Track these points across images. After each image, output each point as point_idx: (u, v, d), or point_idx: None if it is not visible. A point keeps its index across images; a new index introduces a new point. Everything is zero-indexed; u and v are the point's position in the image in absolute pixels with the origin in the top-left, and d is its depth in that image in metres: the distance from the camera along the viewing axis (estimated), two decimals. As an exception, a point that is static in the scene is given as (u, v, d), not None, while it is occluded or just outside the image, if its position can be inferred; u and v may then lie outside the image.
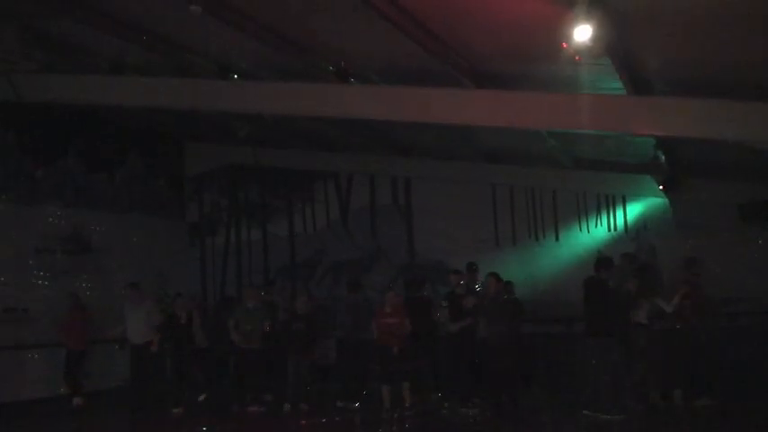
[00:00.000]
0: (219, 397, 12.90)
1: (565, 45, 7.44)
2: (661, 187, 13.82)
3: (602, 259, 11.11)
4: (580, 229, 15.11)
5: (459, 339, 11.67)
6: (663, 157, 12.13)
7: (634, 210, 14.81)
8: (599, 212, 15.04)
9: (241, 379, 12.47)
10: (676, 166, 12.93)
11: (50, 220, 14.54)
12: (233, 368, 13.05)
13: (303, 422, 11.31)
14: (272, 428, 11.48)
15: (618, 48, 8.02)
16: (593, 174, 14.69)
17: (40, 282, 14.19)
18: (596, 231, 15.00)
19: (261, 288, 14.34)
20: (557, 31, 7.37)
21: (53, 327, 13.66)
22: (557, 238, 15.23)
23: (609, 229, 14.95)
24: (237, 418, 11.78)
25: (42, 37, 10.99)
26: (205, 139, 17.44)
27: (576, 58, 7.68)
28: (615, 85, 9.12)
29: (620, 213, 14.94)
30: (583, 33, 7.19)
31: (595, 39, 7.22)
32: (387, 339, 11.56)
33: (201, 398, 12.92)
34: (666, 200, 14.19)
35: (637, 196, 14.71)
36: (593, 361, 10.33)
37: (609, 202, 14.99)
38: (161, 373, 12.65)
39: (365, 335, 12.18)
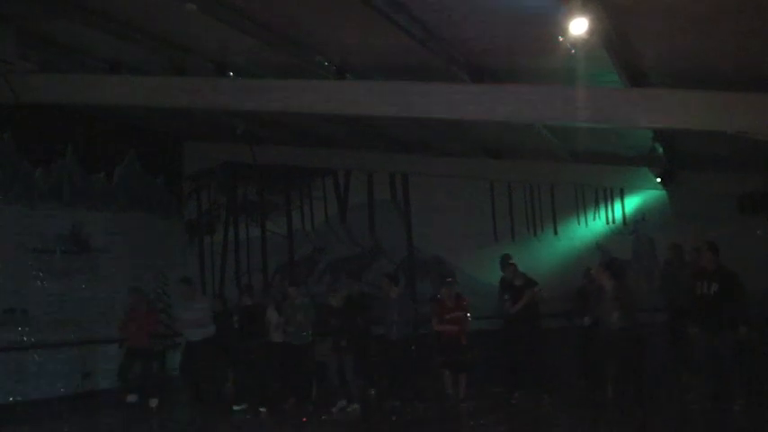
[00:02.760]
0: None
1: (561, 38, 7.45)
2: (659, 180, 13.86)
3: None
4: (578, 223, 15.13)
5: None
6: (661, 150, 12.14)
7: (632, 203, 14.84)
8: (597, 206, 15.07)
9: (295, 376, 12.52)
10: (674, 159, 12.95)
11: (49, 220, 14.51)
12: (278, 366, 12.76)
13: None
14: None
15: (614, 40, 8.03)
16: (591, 167, 14.73)
17: (39, 282, 14.17)
18: (595, 225, 15.03)
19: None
20: (553, 24, 7.38)
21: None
22: (555, 232, 15.26)
23: (607, 223, 14.97)
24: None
25: (39, 37, 10.98)
26: (203, 138, 17.43)
27: (573, 51, 7.68)
28: (612, 77, 9.13)
29: (618, 206, 14.96)
30: (579, 26, 7.20)
31: (591, 31, 7.23)
32: (453, 331, 12.03)
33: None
34: (664, 192, 14.22)
35: (635, 189, 14.74)
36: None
37: (607, 196, 15.02)
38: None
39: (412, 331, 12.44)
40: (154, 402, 12.88)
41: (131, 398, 13.04)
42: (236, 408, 12.24)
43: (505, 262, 12.96)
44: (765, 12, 7.01)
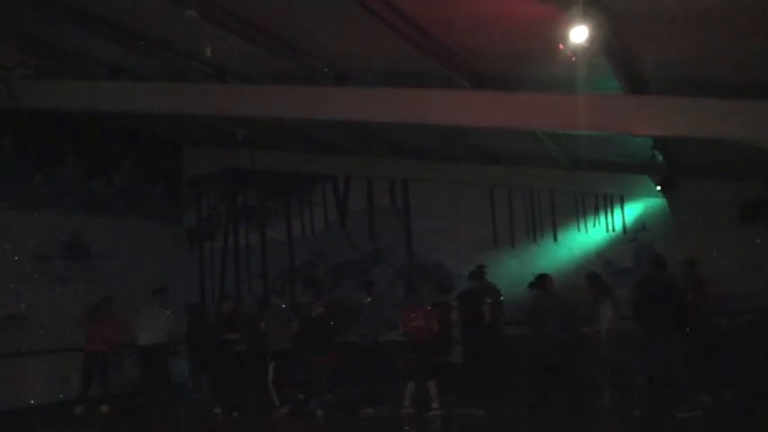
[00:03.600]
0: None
1: (562, 46, 7.45)
2: (659, 187, 13.84)
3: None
4: (578, 230, 15.11)
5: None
6: (661, 157, 12.13)
7: (632, 210, 14.81)
8: (597, 213, 15.05)
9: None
10: (674, 166, 12.94)
11: (49, 226, 14.51)
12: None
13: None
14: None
15: (615, 47, 8.03)
16: (591, 174, 14.70)
17: (39, 288, 14.16)
18: (595, 232, 15.01)
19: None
20: (553, 31, 7.38)
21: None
22: (555, 239, 15.24)
23: (607, 230, 14.95)
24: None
25: (39, 43, 10.99)
26: (203, 144, 17.45)
27: (573, 58, 7.68)
28: (612, 84, 9.13)
29: (618, 214, 14.94)
30: (579, 34, 7.20)
31: (592, 39, 7.23)
32: (419, 337, 11.78)
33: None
34: (665, 200, 14.20)
35: (635, 197, 14.71)
36: None
37: (607, 203, 14.99)
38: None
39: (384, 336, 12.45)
40: (105, 408, 12.97)
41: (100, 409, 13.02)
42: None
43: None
44: (764, 18, 7.00)
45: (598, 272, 12.44)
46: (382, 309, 13.34)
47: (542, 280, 11.78)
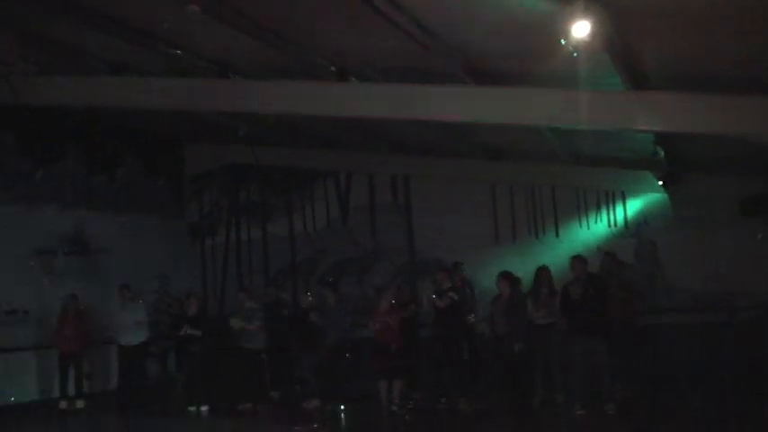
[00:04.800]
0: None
1: (563, 42, 7.44)
2: (661, 183, 13.85)
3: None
4: (580, 226, 15.11)
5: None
6: (662, 153, 12.13)
7: (634, 206, 14.81)
8: (599, 208, 15.04)
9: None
10: (676, 162, 12.94)
11: (50, 221, 14.53)
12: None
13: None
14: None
15: (616, 43, 8.03)
16: (593, 170, 14.71)
17: (40, 284, 14.17)
18: (596, 227, 15.01)
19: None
20: (555, 27, 7.38)
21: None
22: (557, 235, 15.24)
23: (609, 226, 14.95)
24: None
25: (40, 39, 10.99)
26: (204, 139, 17.45)
27: (575, 54, 7.68)
28: (614, 80, 9.12)
29: (620, 209, 14.93)
30: (581, 29, 7.19)
31: (593, 35, 7.23)
32: (384, 337, 11.74)
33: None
34: (666, 195, 14.21)
35: (637, 192, 14.71)
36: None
37: (609, 198, 14.98)
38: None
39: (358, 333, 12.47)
40: (81, 403, 13.17)
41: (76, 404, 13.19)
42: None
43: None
44: (765, 15, 7.00)
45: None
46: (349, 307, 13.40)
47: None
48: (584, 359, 10.46)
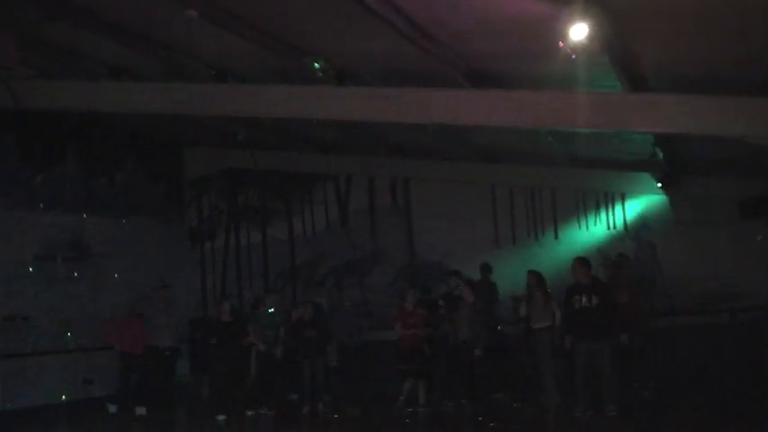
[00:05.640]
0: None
1: (562, 44, 7.45)
2: (660, 184, 13.86)
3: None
4: (580, 228, 15.11)
5: None
6: (661, 154, 12.14)
7: (633, 207, 14.82)
8: (598, 211, 15.05)
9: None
10: (675, 163, 12.95)
11: (50, 225, 14.51)
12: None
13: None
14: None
15: (615, 45, 8.04)
16: (592, 172, 14.72)
17: (40, 289, 14.17)
18: (596, 230, 15.01)
19: None
20: (553, 29, 7.38)
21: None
22: (556, 237, 15.24)
23: (608, 228, 14.96)
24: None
25: (40, 43, 11.00)
26: (204, 143, 17.45)
27: (573, 56, 7.68)
28: (613, 82, 9.13)
29: (619, 211, 14.94)
30: (579, 31, 7.20)
31: (592, 37, 7.24)
32: (412, 339, 11.90)
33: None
34: (666, 197, 14.21)
35: (636, 194, 14.72)
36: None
37: (608, 200, 14.99)
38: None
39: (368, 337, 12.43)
40: (141, 410, 12.97)
41: (140, 410, 13.00)
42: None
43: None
44: (764, 16, 7.01)
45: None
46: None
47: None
48: (588, 363, 10.43)
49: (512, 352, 12.89)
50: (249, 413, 12.19)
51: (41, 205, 14.40)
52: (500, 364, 12.63)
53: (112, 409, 13.15)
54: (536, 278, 11.88)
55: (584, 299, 10.53)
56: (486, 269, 13.82)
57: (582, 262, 10.95)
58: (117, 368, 13.57)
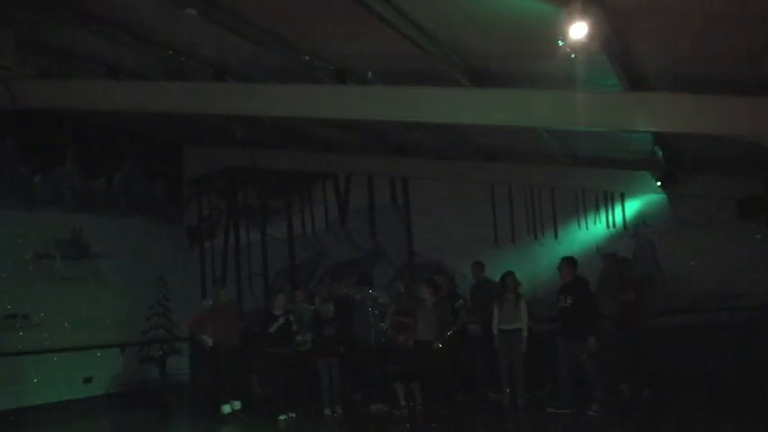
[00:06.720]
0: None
1: (561, 43, 7.44)
2: (659, 183, 13.87)
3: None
4: (579, 227, 15.11)
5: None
6: (660, 153, 12.14)
7: (633, 206, 14.82)
8: (597, 210, 15.05)
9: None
10: (674, 162, 12.95)
11: (49, 225, 14.52)
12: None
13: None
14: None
15: (614, 44, 8.03)
16: (592, 171, 14.72)
17: (39, 288, 14.17)
18: (595, 229, 15.01)
19: None
20: (552, 28, 7.37)
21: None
22: (556, 236, 15.24)
23: (608, 227, 14.96)
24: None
25: (38, 43, 10.98)
26: (203, 143, 17.45)
27: (573, 55, 7.67)
28: (612, 81, 9.13)
29: (618, 210, 14.94)
30: (578, 31, 7.19)
31: (591, 35, 7.23)
32: (399, 338, 11.74)
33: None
34: (665, 196, 14.22)
35: (635, 193, 14.72)
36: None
37: (607, 199, 14.99)
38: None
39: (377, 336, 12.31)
40: (237, 405, 12.37)
41: (232, 406, 12.34)
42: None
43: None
44: (764, 15, 7.00)
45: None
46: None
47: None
48: (569, 361, 10.64)
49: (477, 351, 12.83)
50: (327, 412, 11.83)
51: (40, 205, 14.39)
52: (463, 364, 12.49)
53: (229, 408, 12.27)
54: (512, 279, 11.94)
55: (565, 298, 10.85)
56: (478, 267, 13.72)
57: (569, 261, 11.20)
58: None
